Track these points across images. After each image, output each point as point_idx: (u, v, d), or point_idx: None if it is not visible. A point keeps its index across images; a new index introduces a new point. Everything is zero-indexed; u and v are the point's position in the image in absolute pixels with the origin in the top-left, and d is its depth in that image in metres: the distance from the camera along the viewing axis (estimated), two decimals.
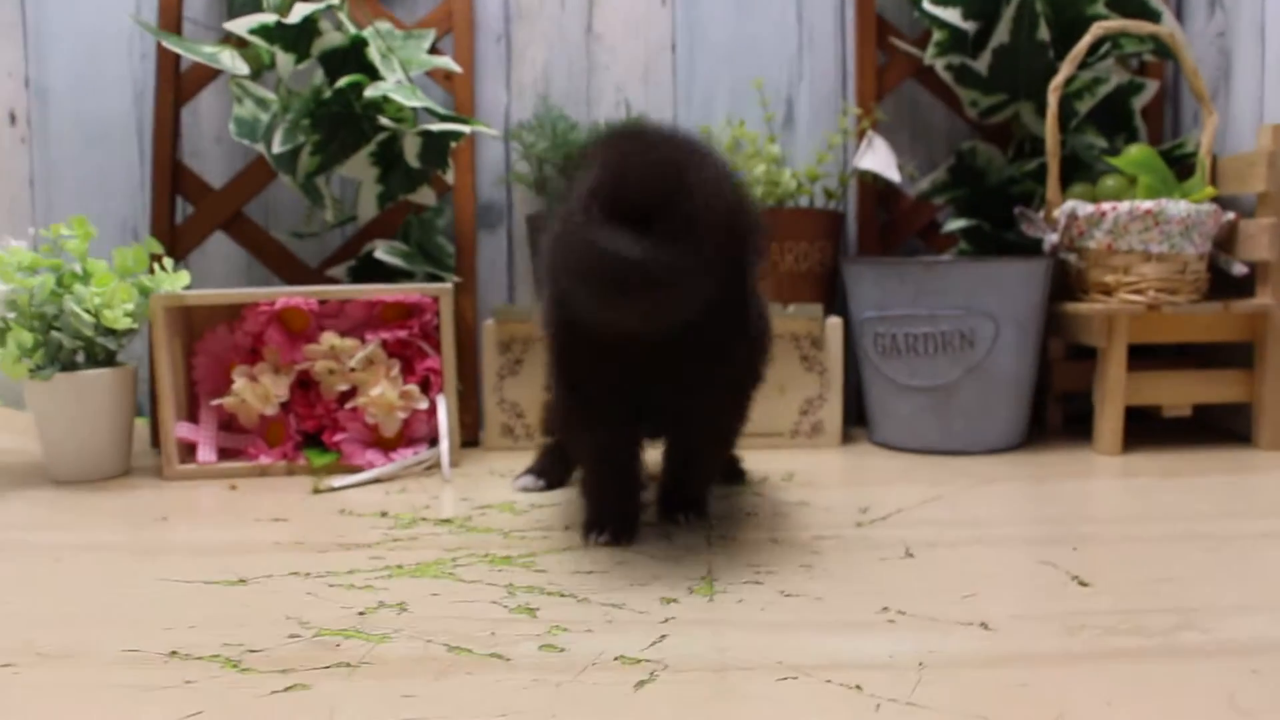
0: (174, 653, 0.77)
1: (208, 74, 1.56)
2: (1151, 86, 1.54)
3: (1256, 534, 1.04)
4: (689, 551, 1.00)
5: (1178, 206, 1.37)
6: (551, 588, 0.90)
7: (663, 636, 0.79)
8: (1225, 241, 1.46)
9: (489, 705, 0.67)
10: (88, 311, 1.30)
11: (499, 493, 1.25)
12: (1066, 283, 1.48)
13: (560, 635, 0.79)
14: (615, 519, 1.02)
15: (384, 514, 1.16)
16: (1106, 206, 1.38)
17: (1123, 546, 1.01)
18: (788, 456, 1.42)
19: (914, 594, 0.87)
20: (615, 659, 0.74)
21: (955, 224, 1.56)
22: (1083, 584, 0.89)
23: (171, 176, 1.55)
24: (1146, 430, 1.50)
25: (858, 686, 0.69)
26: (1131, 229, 1.37)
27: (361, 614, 0.85)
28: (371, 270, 1.52)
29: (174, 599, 0.89)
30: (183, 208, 1.59)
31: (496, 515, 1.15)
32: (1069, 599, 0.85)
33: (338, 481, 1.29)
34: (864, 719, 0.64)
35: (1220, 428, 1.53)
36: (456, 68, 1.51)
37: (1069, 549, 0.99)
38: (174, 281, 1.37)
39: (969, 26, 1.48)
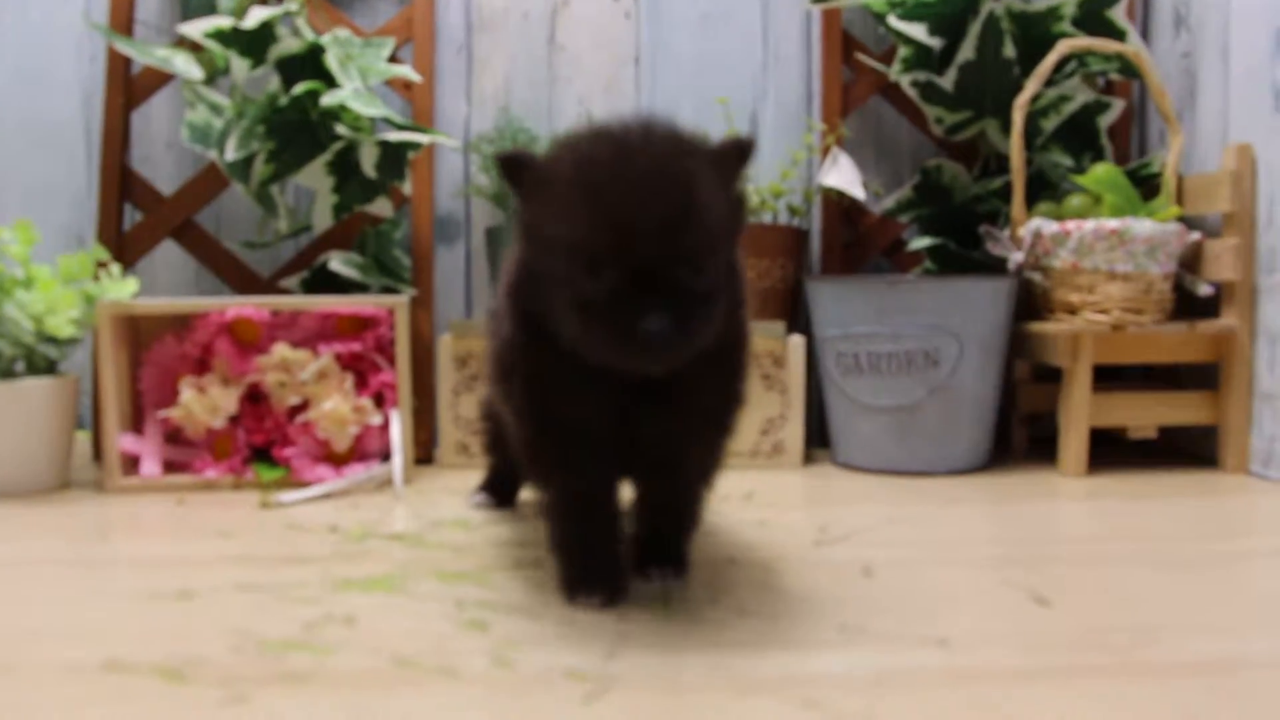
0: (112, 663, 0.73)
1: (159, 78, 1.52)
2: (1118, 105, 1.54)
3: (1219, 555, 1.03)
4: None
5: (1143, 226, 1.36)
6: (503, 603, 0.87)
7: (614, 653, 0.76)
8: (1191, 261, 1.45)
9: (437, 717, 0.64)
10: (29, 318, 1.26)
11: (452, 509, 1.22)
12: (1031, 302, 1.47)
13: (511, 650, 0.76)
14: (604, 577, 0.87)
15: (334, 529, 1.12)
16: (1071, 225, 1.37)
17: (1084, 567, 0.99)
18: (748, 477, 1.39)
19: (872, 612, 0.85)
20: (566, 674, 0.72)
21: (920, 242, 1.54)
22: (1043, 604, 0.87)
23: (120, 182, 1.51)
24: (1112, 452, 1.49)
25: (812, 702, 0.66)
26: (1096, 248, 1.36)
27: (309, 627, 0.81)
28: (325, 282, 1.48)
29: (113, 612, 0.86)
30: (131, 214, 1.54)
31: (449, 531, 1.11)
32: (1028, 618, 0.84)
33: (287, 497, 1.25)
34: None
35: (1186, 450, 1.52)
36: (416, 77, 1.48)
37: (1029, 569, 0.97)
38: (121, 289, 1.33)
39: (935, 43, 1.47)
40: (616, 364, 0.75)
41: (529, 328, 0.82)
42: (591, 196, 0.73)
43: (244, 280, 1.53)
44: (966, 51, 1.45)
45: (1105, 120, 1.54)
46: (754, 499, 1.26)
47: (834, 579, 0.94)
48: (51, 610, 0.86)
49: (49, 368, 1.32)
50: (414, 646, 0.77)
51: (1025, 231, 1.42)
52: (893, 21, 1.45)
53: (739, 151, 0.79)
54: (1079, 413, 1.38)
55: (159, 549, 1.06)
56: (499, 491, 1.22)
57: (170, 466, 1.35)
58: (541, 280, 0.78)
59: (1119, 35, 1.49)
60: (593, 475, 0.88)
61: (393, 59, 1.50)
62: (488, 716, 0.65)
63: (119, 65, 1.51)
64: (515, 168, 0.77)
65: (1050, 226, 1.39)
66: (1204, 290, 1.42)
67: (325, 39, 1.41)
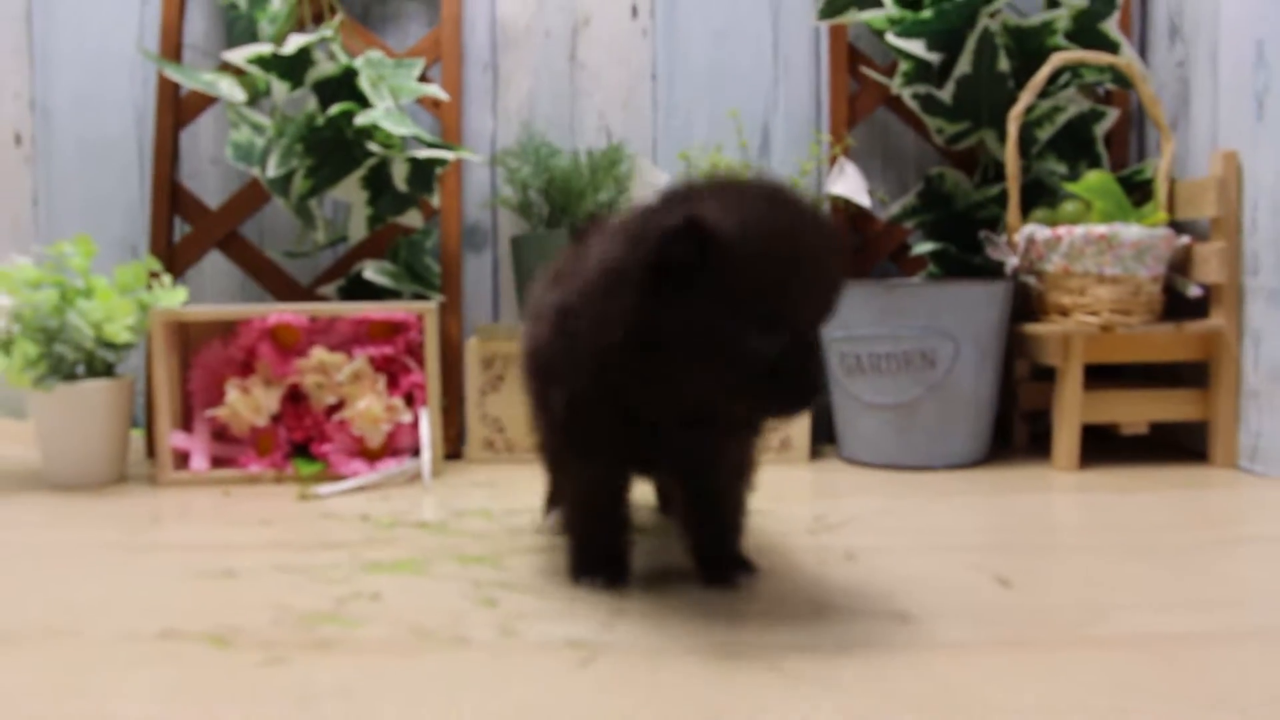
0: (166, 632, 0.83)
1: (205, 100, 1.63)
2: (1112, 114, 1.61)
3: (1193, 544, 1.09)
4: (647, 556, 1.05)
5: (1130, 231, 1.43)
6: (515, 583, 0.96)
7: (611, 624, 0.85)
8: (1182, 264, 1.52)
9: (449, 680, 0.74)
10: (89, 325, 1.37)
11: (476, 500, 1.31)
12: (1028, 304, 1.54)
13: (518, 622, 0.85)
14: (608, 562, 0.95)
15: (365, 518, 1.22)
16: (1062, 230, 1.44)
17: (1055, 554, 1.07)
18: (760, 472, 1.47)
19: (846, 591, 0.93)
20: (566, 643, 0.80)
21: (923, 247, 1.62)
22: (1005, 585, 0.95)
23: (170, 197, 1.62)
24: (1107, 448, 1.55)
25: (778, 666, 0.75)
26: (1086, 252, 1.43)
27: (339, 602, 0.91)
28: (360, 289, 1.59)
29: (165, 589, 0.96)
30: (180, 227, 1.65)
31: (471, 520, 1.21)
32: (987, 597, 0.91)
33: (324, 489, 1.35)
34: (781, 694, 0.70)
35: (1180, 445, 1.58)
36: (444, 95, 1.58)
37: (1001, 556, 1.04)
38: (172, 298, 1.44)
39: (933, 57, 1.55)
40: (770, 411, 0.83)
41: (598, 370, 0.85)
42: (784, 266, 0.77)
43: (285, 288, 1.64)
44: (963, 65, 1.52)
45: (1101, 128, 1.61)
46: (759, 492, 1.34)
47: (819, 563, 1.02)
48: (111, 586, 0.97)
49: (107, 371, 1.43)
50: (432, 620, 0.86)
51: (1020, 237, 1.49)
52: (890, 38, 1.53)
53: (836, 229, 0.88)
54: (1071, 410, 1.45)
55: (205, 535, 1.17)
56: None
57: (217, 461, 1.45)
58: (696, 340, 0.79)
59: (1112, 47, 1.55)
60: (616, 470, 0.95)
61: (422, 78, 1.60)
62: (492, 677, 0.74)
63: (168, 88, 1.62)
64: (699, 239, 0.77)
65: (1043, 232, 1.46)
66: (1193, 292, 1.48)
67: (358, 61, 1.51)
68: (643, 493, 1.09)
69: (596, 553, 0.96)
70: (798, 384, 0.79)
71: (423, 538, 1.13)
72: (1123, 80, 1.57)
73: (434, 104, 1.65)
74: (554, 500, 1.14)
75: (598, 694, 0.71)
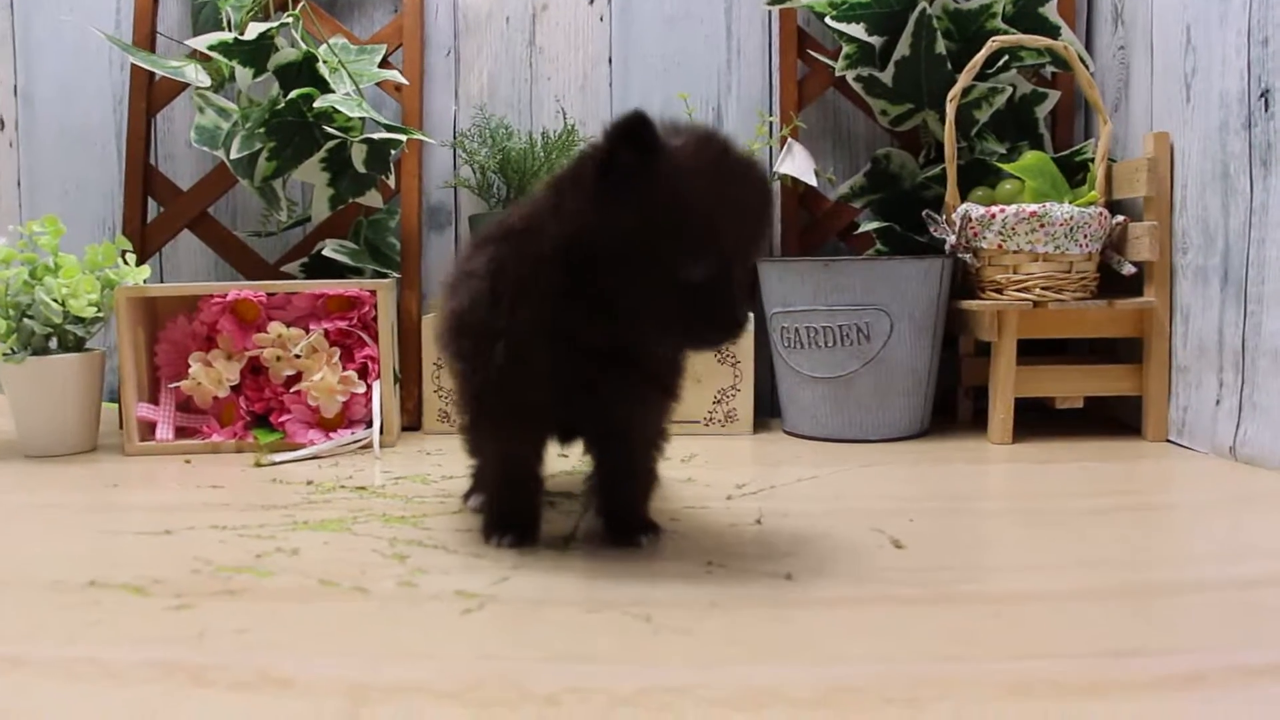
0: (92, 582, 0.90)
1: (178, 85, 1.69)
2: (1054, 96, 1.65)
3: (1096, 510, 1.13)
4: (564, 517, 1.11)
5: (1061, 209, 1.46)
6: (430, 541, 1.02)
7: (505, 578, 0.90)
8: (1119, 243, 1.55)
9: (337, 623, 0.80)
10: (56, 301, 1.44)
11: (420, 467, 1.37)
12: (966, 281, 1.58)
13: (419, 575, 0.91)
14: (520, 523, 1.00)
15: (309, 482, 1.29)
16: (996, 209, 1.48)
17: (958, 519, 1.11)
18: (700, 442, 1.53)
19: (741, 553, 0.97)
20: (456, 593, 0.86)
21: (869, 225, 1.66)
22: (898, 546, 0.99)
23: (143, 179, 1.69)
24: (1047, 422, 1.60)
25: (647, 618, 0.80)
26: (1019, 230, 1.47)
27: (258, 556, 0.97)
28: (323, 267, 1.65)
29: (103, 545, 1.03)
30: (155, 209, 1.72)
31: (408, 485, 1.27)
32: (877, 558, 0.95)
33: (278, 457, 1.42)
34: (639, 641, 0.75)
35: (1118, 420, 1.62)
36: (403, 79, 1.63)
37: (905, 521, 1.08)
38: (136, 275, 1.50)
39: (875, 41, 1.59)
40: (696, 341, 0.86)
41: (520, 297, 0.87)
42: (728, 196, 0.81)
43: (253, 266, 1.71)
44: (902, 48, 1.56)
45: (1042, 110, 1.65)
46: (693, 461, 1.40)
47: (726, 526, 1.07)
48: (51, 543, 1.04)
49: (77, 345, 1.50)
50: (340, 572, 0.92)
51: (956, 215, 1.53)
52: (830, 21, 1.57)
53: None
54: (1004, 384, 1.50)
55: (157, 499, 1.24)
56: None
57: (182, 431, 1.52)
58: (629, 251, 0.81)
59: (1052, 31, 1.59)
60: (534, 437, 0.98)
61: (385, 63, 1.66)
62: (377, 621, 0.80)
63: (141, 74, 1.68)
64: (647, 139, 0.79)
65: (978, 210, 1.50)
66: (1127, 269, 1.52)
67: (322, 48, 1.57)
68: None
69: (509, 514, 1.00)
70: (720, 314, 0.82)
71: (356, 500, 1.19)
72: (1062, 63, 1.61)
73: (395, 88, 1.71)
74: (478, 484, 1.15)
75: (472, 638, 0.77)
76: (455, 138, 1.76)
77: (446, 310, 0.98)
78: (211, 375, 1.50)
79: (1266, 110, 1.27)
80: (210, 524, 1.09)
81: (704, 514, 1.12)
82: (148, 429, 1.50)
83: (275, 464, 1.40)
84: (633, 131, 0.79)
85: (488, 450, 1.02)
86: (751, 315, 1.58)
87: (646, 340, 0.88)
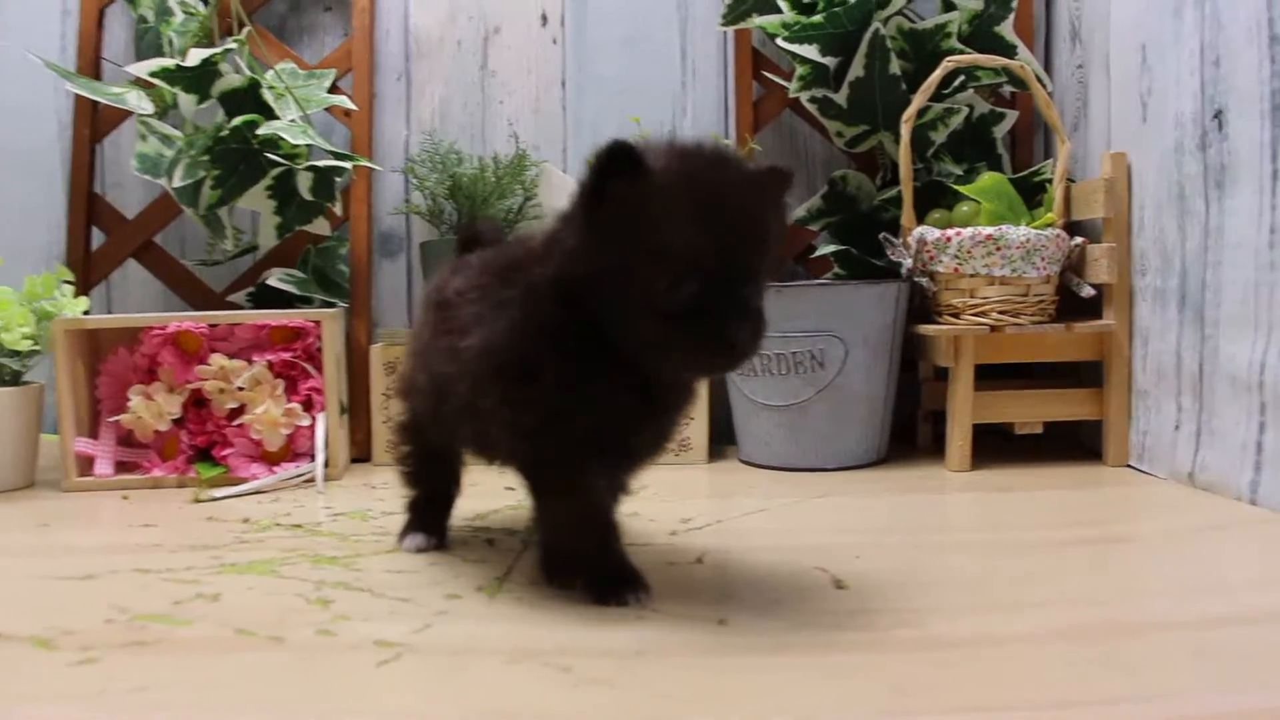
0: None
1: (123, 112, 1.66)
2: (1011, 116, 1.63)
3: (1052, 542, 1.10)
4: (502, 555, 1.08)
5: (1017, 232, 1.44)
6: (358, 584, 0.99)
7: (428, 625, 0.87)
8: (1078, 265, 1.53)
9: (246, 678, 0.76)
10: None
11: (363, 502, 1.34)
12: (924, 305, 1.56)
13: (340, 623, 0.87)
14: (634, 573, 0.92)
15: (246, 520, 1.25)
16: (952, 232, 1.46)
17: (910, 553, 1.07)
18: (653, 473, 1.48)
19: (677, 595, 0.93)
20: (375, 643, 0.83)
21: (826, 248, 1.64)
22: (840, 587, 0.95)
23: (87, 207, 1.65)
24: (1009, 448, 1.57)
25: (568, 668, 0.77)
26: (975, 253, 1.45)
27: (177, 603, 0.93)
28: (271, 296, 1.62)
29: (22, 591, 0.99)
30: (100, 238, 1.68)
31: (346, 522, 1.23)
32: (817, 601, 0.91)
33: (218, 492, 1.38)
34: (557, 694, 0.72)
35: (1081, 445, 1.60)
36: (352, 105, 1.61)
37: (852, 557, 1.05)
38: (74, 307, 1.47)
39: (829, 61, 1.56)
40: (691, 367, 0.83)
41: (563, 327, 0.83)
42: (705, 212, 0.77)
43: (201, 296, 1.67)
44: (856, 69, 1.54)
45: (1000, 130, 1.63)
46: (643, 493, 1.37)
47: (665, 566, 1.03)
48: None
49: (13, 379, 1.46)
50: (258, 619, 0.88)
51: (913, 238, 1.51)
52: (782, 43, 1.54)
53: (787, 182, 0.84)
54: (962, 410, 1.47)
55: (86, 539, 1.20)
56: (433, 525, 1.12)
57: (122, 466, 1.48)
58: (618, 279, 0.79)
59: (1008, 50, 1.57)
60: (606, 480, 0.91)
61: (334, 89, 1.63)
62: (288, 677, 0.76)
63: (85, 101, 1.65)
64: (631, 165, 0.78)
65: (933, 233, 1.48)
66: (1086, 292, 1.50)
67: (269, 73, 1.54)
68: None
69: (621, 562, 0.92)
70: (712, 338, 0.78)
71: (290, 540, 1.15)
72: (1020, 83, 1.59)
73: (345, 113, 1.68)
74: (419, 518, 1.12)
75: (384, 694, 0.73)
76: (406, 163, 1.73)
77: (479, 347, 0.88)
78: (152, 409, 1.46)
79: (1220, 131, 1.25)
80: (135, 567, 1.05)
81: (645, 552, 1.09)
82: (86, 464, 1.47)
83: (215, 499, 1.36)
84: (613, 160, 0.77)
85: (561, 499, 0.91)
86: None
87: (650, 369, 0.84)
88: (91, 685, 0.75)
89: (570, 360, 0.83)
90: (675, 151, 0.80)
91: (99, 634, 0.86)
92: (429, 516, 1.12)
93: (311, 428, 1.48)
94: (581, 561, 0.93)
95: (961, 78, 1.58)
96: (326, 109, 1.63)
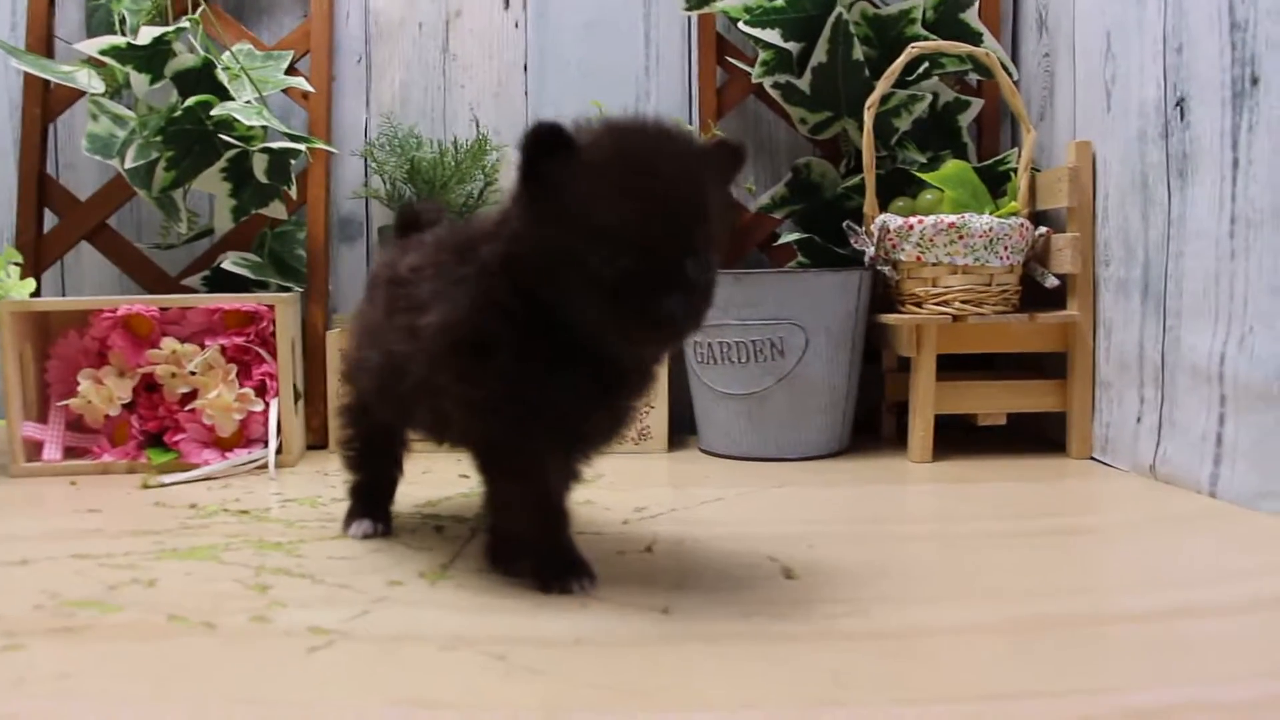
0: None
1: (76, 91, 1.63)
2: (977, 104, 1.61)
3: (1010, 533, 1.09)
4: (448, 543, 1.06)
5: (980, 221, 1.43)
6: (299, 570, 0.97)
7: (365, 612, 0.85)
8: (1043, 255, 1.52)
9: (172, 665, 0.74)
10: None
11: (314, 489, 1.31)
12: (886, 294, 1.54)
13: (275, 610, 0.85)
14: (581, 559, 0.91)
15: (193, 506, 1.23)
16: (914, 220, 1.45)
17: (865, 544, 1.05)
18: (612, 462, 1.47)
19: (622, 583, 0.92)
20: (309, 630, 0.81)
21: (790, 236, 1.62)
22: (790, 577, 0.94)
23: (38, 189, 1.62)
24: (972, 439, 1.56)
25: (502, 657, 0.75)
26: (938, 242, 1.43)
27: (111, 589, 0.91)
28: (226, 280, 1.59)
29: None
30: (52, 220, 1.65)
31: (295, 508, 1.21)
32: (764, 590, 0.90)
33: (167, 478, 1.36)
34: (489, 683, 0.70)
35: (1044, 437, 1.58)
36: (309, 87, 1.58)
37: (803, 547, 1.03)
38: (21, 289, 1.44)
39: (792, 47, 1.55)
40: (629, 341, 0.81)
41: (519, 306, 0.82)
42: (632, 185, 0.76)
43: (155, 280, 1.64)
44: (819, 55, 1.52)
45: (965, 118, 1.61)
46: (599, 481, 1.35)
47: (614, 554, 1.02)
48: None
49: None
50: (193, 605, 0.86)
51: (875, 226, 1.49)
52: (744, 27, 1.53)
53: (736, 157, 0.83)
54: (924, 401, 1.46)
55: (25, 525, 1.17)
56: (379, 511, 1.11)
57: (71, 451, 1.46)
58: (554, 258, 0.79)
59: (974, 37, 1.56)
60: (559, 465, 0.90)
61: (292, 70, 1.60)
62: (215, 664, 0.74)
63: (36, 80, 1.62)
64: (558, 145, 0.77)
65: (895, 221, 1.46)
66: (1050, 282, 1.49)
67: (225, 54, 1.51)
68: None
69: (571, 550, 0.91)
70: (645, 311, 0.76)
71: (235, 525, 1.13)
72: (986, 71, 1.58)
73: (303, 96, 1.65)
74: (364, 504, 1.11)
75: (312, 681, 0.71)
76: (365, 147, 1.70)
77: (439, 325, 0.86)
78: (102, 393, 1.43)
79: (1183, 119, 1.24)
80: (73, 553, 1.03)
81: (595, 540, 1.07)
82: (35, 449, 1.44)
83: (164, 485, 1.34)
84: (540, 140, 0.77)
85: (513, 480, 0.90)
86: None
87: (597, 348, 0.83)
88: (11, 673, 0.73)
89: (525, 338, 0.82)
90: (609, 128, 0.80)
91: (25, 620, 0.83)
92: (374, 501, 1.11)
93: (265, 413, 1.45)
94: (528, 547, 0.92)
95: (926, 65, 1.57)
96: (284, 91, 1.61)
